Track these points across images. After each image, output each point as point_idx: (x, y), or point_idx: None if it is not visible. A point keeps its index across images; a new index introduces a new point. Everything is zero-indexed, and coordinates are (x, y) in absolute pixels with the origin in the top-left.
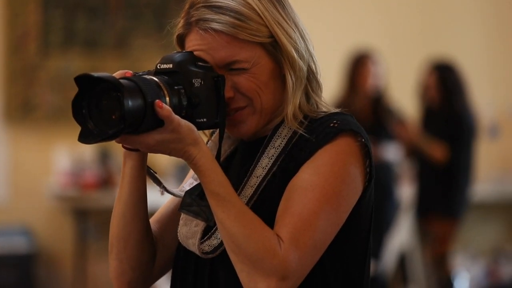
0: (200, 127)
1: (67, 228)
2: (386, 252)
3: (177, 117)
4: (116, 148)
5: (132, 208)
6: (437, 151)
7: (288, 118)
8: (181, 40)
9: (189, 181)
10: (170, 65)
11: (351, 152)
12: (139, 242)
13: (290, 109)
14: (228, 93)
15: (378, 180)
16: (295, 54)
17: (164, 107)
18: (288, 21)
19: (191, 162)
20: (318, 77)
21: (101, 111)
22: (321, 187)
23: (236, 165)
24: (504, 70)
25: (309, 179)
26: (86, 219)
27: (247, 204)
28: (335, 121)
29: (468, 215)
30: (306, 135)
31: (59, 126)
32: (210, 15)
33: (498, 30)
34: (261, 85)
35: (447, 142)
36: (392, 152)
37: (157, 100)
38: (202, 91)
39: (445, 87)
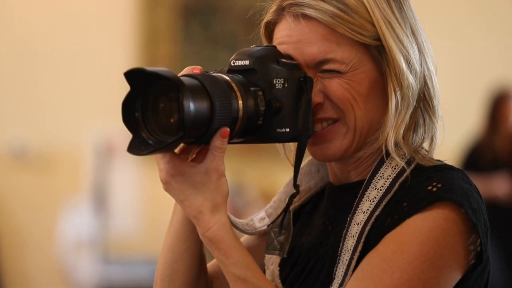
0: (280, 139)
1: None
2: None
3: (223, 166)
4: None
5: (184, 240)
6: None
7: (389, 146)
8: (269, 29)
9: (261, 215)
10: (247, 62)
11: (448, 228)
12: (187, 283)
13: (391, 135)
14: (317, 97)
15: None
16: (404, 65)
17: (224, 140)
18: (403, 24)
19: (204, 233)
20: (435, 104)
21: (157, 115)
22: (402, 271)
23: (320, 211)
24: None
25: (390, 257)
26: None
27: (351, 257)
28: (435, 183)
29: None
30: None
31: None
32: (306, 0)
33: None
34: (357, 97)
35: None
36: None
37: (224, 129)
38: (284, 95)
39: None
